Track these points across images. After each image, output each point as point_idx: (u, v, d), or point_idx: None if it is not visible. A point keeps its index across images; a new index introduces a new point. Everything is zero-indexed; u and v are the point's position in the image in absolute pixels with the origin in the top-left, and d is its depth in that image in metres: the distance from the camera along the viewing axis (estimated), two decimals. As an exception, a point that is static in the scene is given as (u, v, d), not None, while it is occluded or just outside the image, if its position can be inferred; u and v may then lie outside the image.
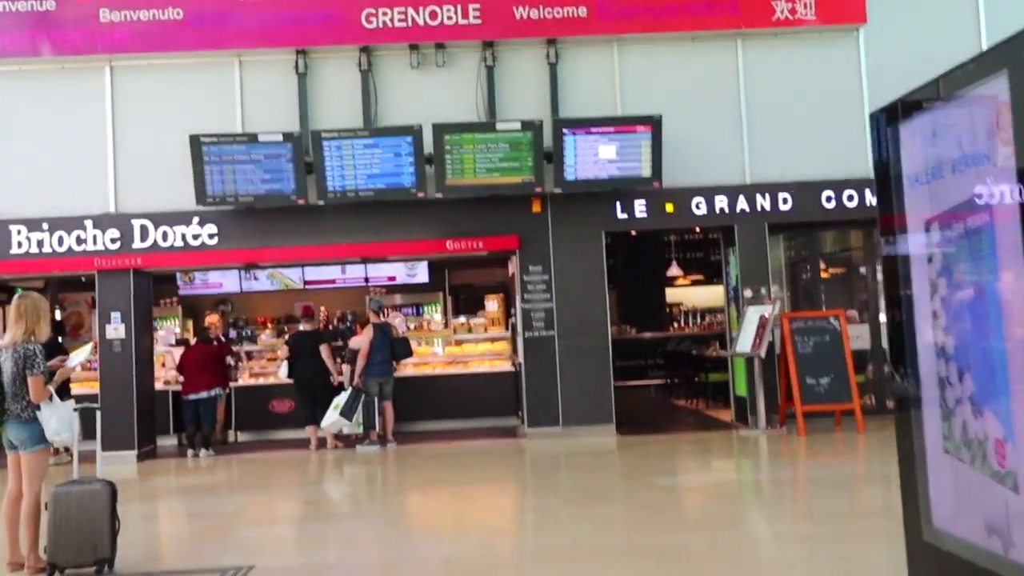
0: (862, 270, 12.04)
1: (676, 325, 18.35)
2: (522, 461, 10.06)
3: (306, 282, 14.78)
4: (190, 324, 14.94)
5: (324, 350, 11.29)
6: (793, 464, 9.00)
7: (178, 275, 14.48)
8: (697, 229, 13.31)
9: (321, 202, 10.80)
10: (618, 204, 11.17)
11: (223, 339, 12.06)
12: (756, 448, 9.84)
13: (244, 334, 14.20)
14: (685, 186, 11.14)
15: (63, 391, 6.31)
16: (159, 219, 11.14)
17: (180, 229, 11.15)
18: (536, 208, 11.20)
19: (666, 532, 6.10)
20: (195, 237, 11.17)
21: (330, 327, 14.63)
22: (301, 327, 11.82)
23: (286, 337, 11.99)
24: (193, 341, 12.07)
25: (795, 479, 8.06)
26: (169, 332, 13.10)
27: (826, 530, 5.91)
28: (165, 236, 11.14)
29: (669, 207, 11.18)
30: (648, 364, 17.09)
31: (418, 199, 10.81)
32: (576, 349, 11.08)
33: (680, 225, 11.41)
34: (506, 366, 12.67)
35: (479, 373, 12.63)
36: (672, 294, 19.23)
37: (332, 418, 10.84)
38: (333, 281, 14.93)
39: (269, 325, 14.68)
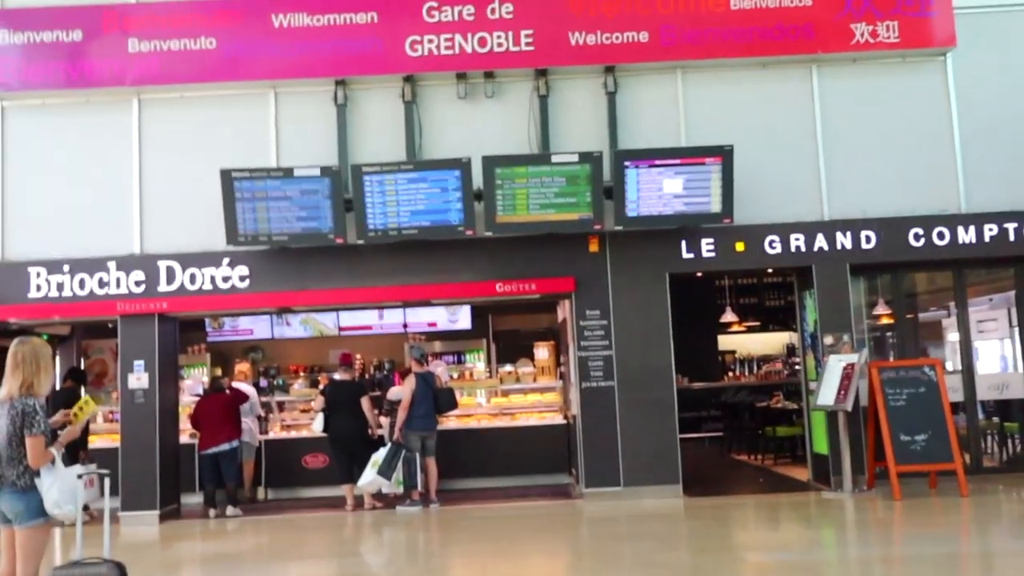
0: (952, 315, 10.94)
1: (731, 374, 17.24)
2: (583, 527, 9.01)
3: (341, 328, 13.93)
4: (219, 373, 14.10)
5: (365, 402, 10.36)
6: (903, 535, 7.86)
7: (207, 321, 13.69)
8: (764, 271, 12.30)
9: (361, 241, 9.96)
10: (683, 243, 10.23)
11: (236, 387, 11.13)
12: (848, 515, 8.72)
13: (276, 383, 13.34)
14: (758, 223, 10.19)
15: (70, 455, 5.42)
16: (187, 260, 10.36)
17: (209, 271, 10.36)
18: (594, 248, 10.29)
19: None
20: (225, 279, 10.35)
21: (366, 376, 13.74)
22: (337, 376, 10.93)
23: (321, 387, 11.09)
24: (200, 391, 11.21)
25: (910, 556, 6.93)
26: (196, 382, 12.26)
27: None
28: (193, 279, 10.34)
29: (740, 246, 10.21)
30: (702, 416, 16.00)
31: (466, 238, 9.94)
32: (638, 401, 10.07)
33: (752, 266, 10.43)
34: (557, 419, 11.68)
35: (528, 426, 11.64)
36: (725, 341, 18.13)
37: (370, 476, 9.89)
38: (369, 327, 14.09)
39: (302, 374, 13.81)
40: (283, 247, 10.16)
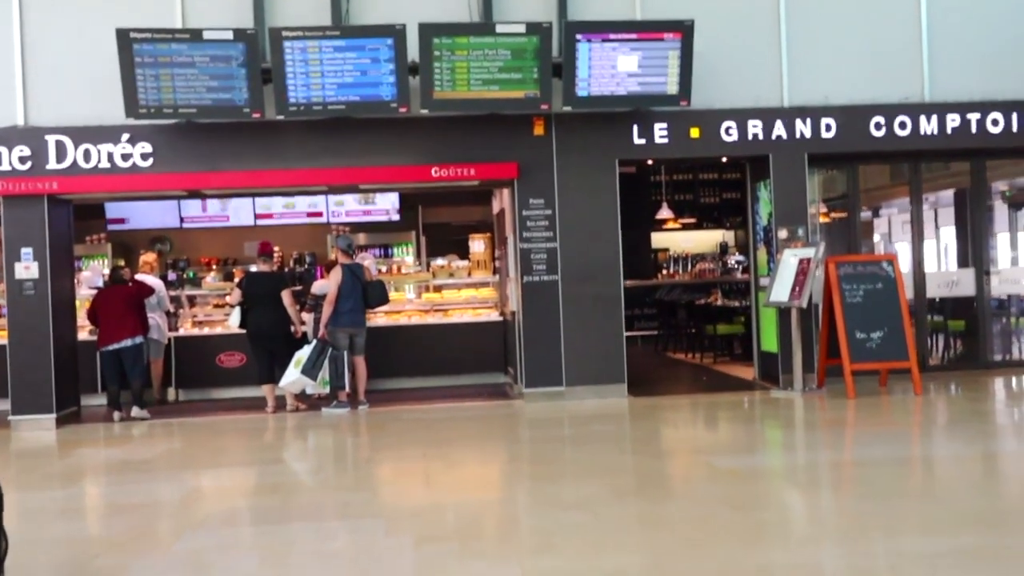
0: (906, 210, 10.56)
1: (664, 272, 16.82)
2: (525, 429, 8.46)
3: (257, 216, 12.86)
4: (122, 264, 12.92)
5: (286, 296, 9.46)
6: (864, 435, 7.50)
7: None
8: (702, 164, 11.68)
9: (280, 117, 8.89)
10: (635, 128, 9.47)
11: (139, 279, 10.06)
12: (802, 414, 8.37)
13: (186, 276, 12.29)
14: (714, 107, 9.49)
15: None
16: (80, 135, 9.12)
17: (106, 147, 9.16)
18: (539, 130, 9.45)
19: (777, 545, 4.55)
20: (125, 158, 9.18)
21: (284, 270, 12.78)
22: (256, 268, 9.94)
23: (237, 280, 10.11)
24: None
25: (877, 458, 6.53)
26: (95, 273, 11.07)
27: (979, 536, 4.43)
28: (87, 156, 9.14)
29: (695, 132, 9.52)
30: (635, 314, 15.57)
31: (399, 116, 8.96)
32: (583, 296, 9.45)
33: (706, 153, 9.75)
34: (493, 315, 11.02)
35: (462, 323, 10.95)
36: (658, 239, 17.65)
37: (293, 376, 9.09)
38: (283, 215, 13.04)
39: (215, 266, 12.75)
40: (191, 121, 9.02)
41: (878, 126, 9.57)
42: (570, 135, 9.43)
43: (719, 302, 12.94)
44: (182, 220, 13.10)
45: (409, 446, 7.66)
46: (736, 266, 16.28)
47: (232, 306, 9.71)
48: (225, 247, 13.62)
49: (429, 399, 9.90)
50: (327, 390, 9.41)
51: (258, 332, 9.47)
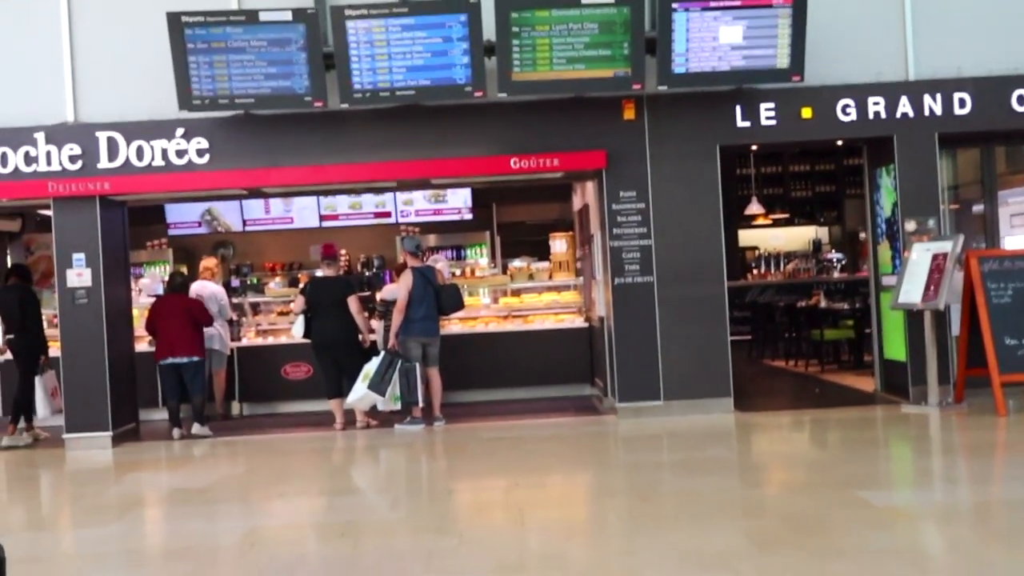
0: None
1: (755, 272, 15.61)
2: (626, 452, 7.45)
3: (322, 217, 12.12)
4: (184, 271, 12.32)
5: (353, 302, 8.64)
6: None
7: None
8: (814, 149, 10.50)
9: (345, 105, 8.07)
10: (738, 109, 8.41)
11: (201, 286, 9.42)
12: (956, 435, 7.20)
13: (249, 282, 11.62)
14: (828, 84, 8.37)
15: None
16: (132, 131, 8.45)
17: (160, 144, 8.47)
18: (629, 114, 8.45)
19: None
20: (180, 154, 8.48)
21: (352, 274, 12.02)
22: (320, 273, 9.15)
23: (301, 286, 9.32)
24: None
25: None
26: (155, 280, 10.46)
27: None
28: (140, 153, 8.46)
29: (807, 112, 8.41)
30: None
31: (474, 101, 8.07)
32: (682, 299, 8.43)
33: (821, 136, 8.62)
34: (577, 321, 10.06)
35: (544, 330, 10.02)
36: (745, 237, 16.45)
37: (361, 391, 8.27)
38: (349, 216, 12.29)
39: (279, 271, 12.05)
40: (249, 113, 8.28)
41: (1021, 99, 8.34)
42: (665, 119, 8.42)
43: (823, 304, 11.75)
44: (245, 223, 12.45)
45: (494, 474, 6.73)
46: (835, 264, 15.02)
47: (296, 314, 8.92)
48: (290, 251, 12.92)
49: (510, 414, 8.99)
50: (399, 406, 8.54)
51: (323, 342, 8.68)
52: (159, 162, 8.46)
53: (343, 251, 12.54)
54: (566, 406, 9.31)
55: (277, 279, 11.36)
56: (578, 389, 9.95)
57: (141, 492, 6.99)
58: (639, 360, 8.42)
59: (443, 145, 8.48)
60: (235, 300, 10.49)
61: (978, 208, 9.12)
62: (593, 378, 9.85)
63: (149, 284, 10.43)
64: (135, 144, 8.45)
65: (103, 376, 8.47)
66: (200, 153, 8.47)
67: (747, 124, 8.43)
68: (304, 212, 12.35)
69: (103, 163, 8.43)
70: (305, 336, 8.78)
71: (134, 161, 8.46)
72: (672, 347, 8.42)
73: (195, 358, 8.68)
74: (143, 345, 9.48)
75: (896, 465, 6.66)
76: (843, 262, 15.16)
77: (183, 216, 12.41)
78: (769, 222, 15.91)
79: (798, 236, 16.57)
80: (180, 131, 8.44)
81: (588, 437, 7.99)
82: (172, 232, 12.48)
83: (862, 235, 16.24)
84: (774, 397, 9.62)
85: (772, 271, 15.61)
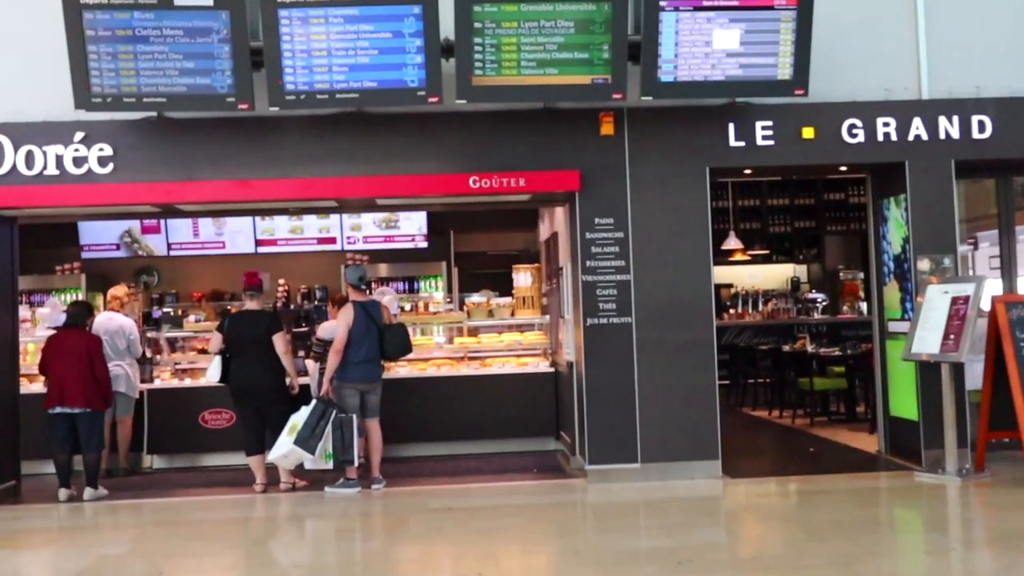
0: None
1: (731, 311, 14.56)
2: (604, 535, 6.11)
3: (259, 242, 10.82)
4: (100, 300, 10.90)
5: (279, 341, 7.33)
6: None
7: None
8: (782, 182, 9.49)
9: (275, 109, 6.85)
10: (732, 127, 7.33)
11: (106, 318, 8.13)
12: (991, 516, 6.09)
13: (172, 313, 10.23)
14: (832, 100, 7.34)
15: None
16: (20, 133, 7.14)
17: (54, 149, 7.16)
18: (607, 129, 7.33)
19: None
20: (78, 162, 7.17)
21: (290, 307, 10.71)
22: (247, 306, 7.84)
23: (219, 322, 7.98)
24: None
25: None
26: (56, 310, 9.02)
27: None
28: (30, 160, 7.14)
29: (808, 132, 7.36)
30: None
31: (428, 108, 6.92)
32: (665, 344, 7.27)
33: (824, 160, 7.54)
34: (542, 365, 8.84)
35: (503, 375, 8.79)
36: (720, 274, 15.40)
37: (286, 447, 6.98)
38: (289, 241, 11.02)
39: (204, 303, 10.70)
40: (162, 116, 7.03)
41: (1049, 124, 7.38)
42: (649, 136, 7.32)
43: (810, 348, 10.69)
44: (170, 247, 11.08)
45: (436, 561, 5.44)
46: (817, 304, 14.03)
47: (213, 354, 7.59)
48: (221, 278, 11.54)
49: (462, 474, 7.74)
50: (331, 464, 7.20)
51: (243, 387, 7.35)
52: (52, 171, 7.14)
53: (281, 281, 11.24)
54: (527, 465, 8.06)
55: (200, 312, 10.00)
56: (541, 443, 8.73)
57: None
58: (614, 415, 7.23)
59: (391, 159, 7.27)
60: (151, 335, 9.14)
61: (992, 245, 8.13)
62: (559, 431, 8.64)
63: (50, 314, 9.00)
64: (24, 149, 7.13)
65: (-23, 424, 7.07)
66: (102, 162, 7.17)
67: (741, 144, 7.35)
68: (238, 236, 11.03)
69: (-16, 171, 7.10)
70: (222, 380, 7.44)
71: (22, 169, 7.13)
72: (652, 400, 7.24)
73: (90, 409, 7.27)
74: (37, 386, 8.08)
75: (930, 557, 5.45)
76: (825, 303, 14.19)
77: (99, 237, 11.00)
78: (747, 258, 14.90)
79: (776, 274, 15.59)
80: (79, 135, 7.14)
81: (556, 510, 6.73)
82: (86, 255, 11.05)
83: (842, 274, 15.52)
84: (764, 458, 8.48)
85: (750, 310, 14.58)
